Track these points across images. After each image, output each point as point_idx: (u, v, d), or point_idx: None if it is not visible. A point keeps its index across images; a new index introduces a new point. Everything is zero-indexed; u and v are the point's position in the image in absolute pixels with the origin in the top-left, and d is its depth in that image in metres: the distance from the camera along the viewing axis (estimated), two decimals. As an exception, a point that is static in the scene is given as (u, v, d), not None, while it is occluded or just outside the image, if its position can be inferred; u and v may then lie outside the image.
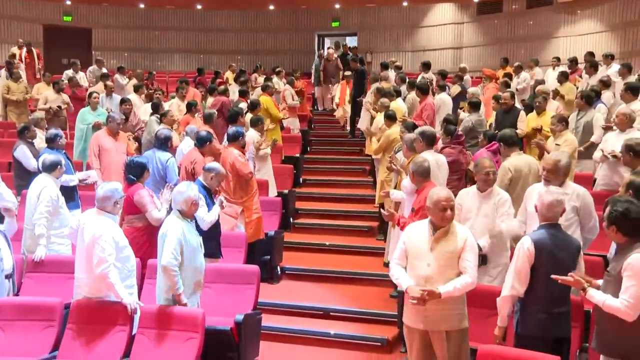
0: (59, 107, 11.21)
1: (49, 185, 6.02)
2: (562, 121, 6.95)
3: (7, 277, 5.14)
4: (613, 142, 6.54)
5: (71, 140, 9.62)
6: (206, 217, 5.61)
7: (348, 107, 12.73)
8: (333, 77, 14.23)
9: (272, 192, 8.54)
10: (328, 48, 15.40)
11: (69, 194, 6.72)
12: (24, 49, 14.56)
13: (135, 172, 5.87)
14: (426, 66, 13.26)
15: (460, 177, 6.85)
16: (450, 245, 4.09)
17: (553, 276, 3.85)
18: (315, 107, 14.94)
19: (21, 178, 7.53)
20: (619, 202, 3.67)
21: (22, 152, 7.70)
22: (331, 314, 6.46)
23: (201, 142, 7.00)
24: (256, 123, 8.61)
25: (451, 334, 4.10)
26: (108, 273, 4.66)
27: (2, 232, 5.21)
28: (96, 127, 9.19)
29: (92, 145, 8.06)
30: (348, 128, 12.80)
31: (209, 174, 5.90)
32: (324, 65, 14.29)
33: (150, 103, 10.28)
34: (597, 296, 3.59)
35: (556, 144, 6.75)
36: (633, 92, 7.63)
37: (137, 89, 11.35)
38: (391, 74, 12.54)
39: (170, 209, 5.19)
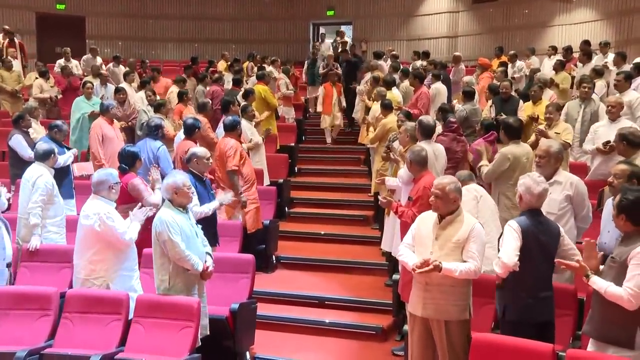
0: (56, 96, 11.22)
1: (44, 174, 6.02)
2: (559, 110, 6.98)
3: (7, 265, 5.17)
4: (605, 132, 6.54)
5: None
6: (197, 208, 5.55)
7: (339, 115, 11.42)
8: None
9: (265, 181, 8.54)
10: (327, 51, 13.41)
11: (63, 182, 6.70)
12: (7, 39, 14.29)
13: (127, 161, 5.88)
14: (425, 55, 13.21)
15: (455, 165, 6.83)
16: (456, 234, 4.10)
17: (557, 260, 3.89)
18: (308, 110, 13.43)
19: (16, 167, 7.49)
20: (630, 191, 3.69)
21: (17, 141, 7.68)
22: (326, 302, 6.48)
23: (189, 131, 6.99)
24: (244, 111, 8.56)
25: (450, 324, 4.10)
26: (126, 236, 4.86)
27: (3, 220, 5.20)
28: (92, 116, 9.16)
29: (96, 134, 7.90)
30: (328, 140, 11.54)
31: (191, 161, 5.92)
32: (327, 69, 12.40)
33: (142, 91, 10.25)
34: (600, 283, 3.59)
35: (555, 133, 6.76)
36: (629, 80, 7.63)
37: (125, 76, 11.29)
38: (383, 63, 12.48)
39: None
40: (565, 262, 3.84)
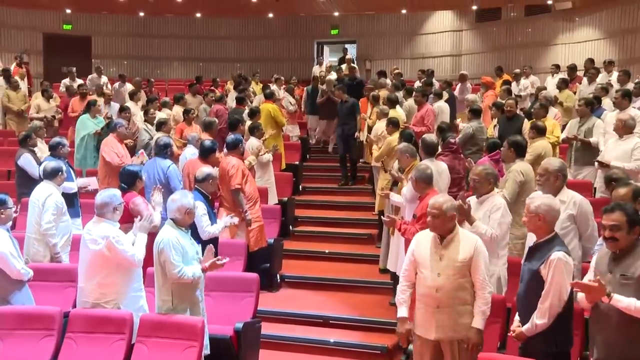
0: (53, 116, 11.27)
1: (54, 193, 6.06)
2: (534, 128, 7.13)
3: None
4: (612, 148, 6.58)
5: (71, 148, 9.60)
6: (209, 228, 5.60)
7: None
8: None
9: (273, 199, 8.53)
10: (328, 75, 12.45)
11: (70, 201, 6.71)
12: (16, 61, 14.39)
13: (126, 180, 5.89)
14: (431, 74, 13.24)
15: (458, 184, 6.83)
16: (461, 253, 4.08)
17: (572, 282, 3.71)
18: (307, 138, 12.64)
19: (24, 186, 7.53)
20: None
21: (26, 160, 7.73)
22: (331, 321, 6.45)
23: (206, 153, 6.87)
24: (254, 130, 8.59)
25: (463, 343, 4.08)
26: (134, 258, 4.74)
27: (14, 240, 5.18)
28: (97, 135, 9.20)
29: (106, 152, 7.96)
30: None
31: (206, 181, 5.94)
32: (323, 98, 11.90)
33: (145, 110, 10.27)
34: (625, 300, 3.45)
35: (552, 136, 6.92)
36: (629, 98, 7.66)
37: (132, 96, 11.35)
38: (388, 81, 12.50)
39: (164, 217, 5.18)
40: (582, 282, 3.64)
